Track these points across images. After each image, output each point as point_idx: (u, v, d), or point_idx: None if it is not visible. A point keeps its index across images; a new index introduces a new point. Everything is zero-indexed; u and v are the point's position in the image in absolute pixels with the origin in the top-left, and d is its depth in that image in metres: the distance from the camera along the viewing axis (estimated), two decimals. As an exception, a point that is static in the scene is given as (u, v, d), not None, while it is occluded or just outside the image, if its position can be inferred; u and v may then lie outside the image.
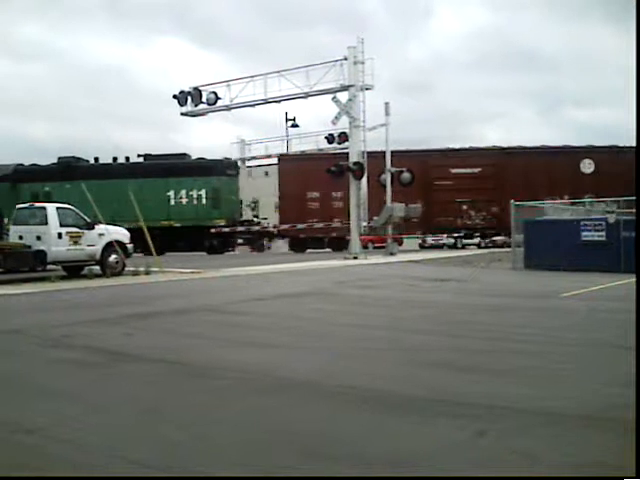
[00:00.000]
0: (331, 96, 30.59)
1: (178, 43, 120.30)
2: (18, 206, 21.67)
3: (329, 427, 5.09)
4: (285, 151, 46.35)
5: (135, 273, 20.89)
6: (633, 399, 5.19)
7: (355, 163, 30.35)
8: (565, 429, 4.88)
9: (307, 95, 32.04)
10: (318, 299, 14.35)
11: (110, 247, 21.28)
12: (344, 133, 33.52)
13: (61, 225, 20.32)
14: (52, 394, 6.25)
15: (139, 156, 42.55)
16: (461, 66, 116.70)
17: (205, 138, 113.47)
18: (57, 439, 4.84)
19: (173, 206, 39.99)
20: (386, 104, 33.20)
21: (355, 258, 28.85)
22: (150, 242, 22.52)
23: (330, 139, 37.15)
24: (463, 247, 42.82)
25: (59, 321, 10.89)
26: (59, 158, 41.99)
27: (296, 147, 45.88)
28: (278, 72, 32.45)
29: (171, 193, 40.12)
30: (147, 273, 20.91)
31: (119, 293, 16.35)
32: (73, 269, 21.38)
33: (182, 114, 35.44)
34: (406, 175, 35.51)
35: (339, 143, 36.08)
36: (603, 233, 21.13)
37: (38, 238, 19.92)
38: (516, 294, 15.20)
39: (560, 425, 4.96)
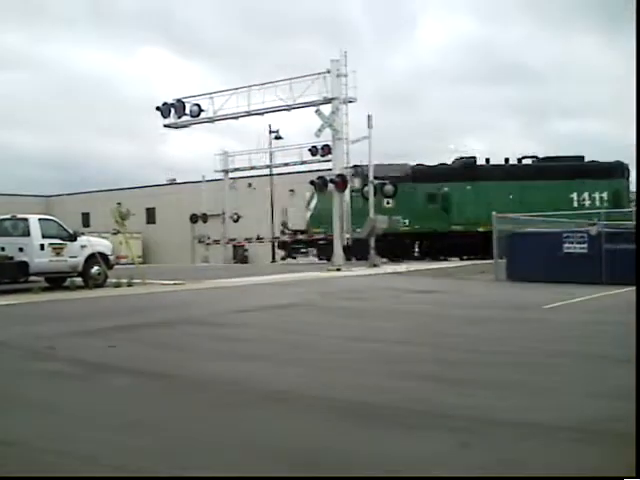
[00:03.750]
0: (314, 108, 30.66)
1: (161, 53, 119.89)
2: (0, 217, 21.49)
3: (313, 439, 5.10)
4: (269, 163, 46.20)
5: (117, 285, 20.77)
6: (620, 411, 5.24)
7: (338, 175, 30.41)
8: (551, 441, 4.89)
9: (290, 108, 32.07)
10: (302, 311, 14.34)
11: (92, 259, 21.19)
12: (327, 145, 33.56)
13: (43, 236, 20.22)
14: (35, 406, 6.21)
15: (521, 158, 41.28)
16: (446, 78, 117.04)
17: (188, 149, 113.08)
18: (39, 450, 4.82)
19: (576, 209, 37.30)
20: (369, 117, 33.28)
21: (338, 270, 28.83)
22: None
23: (313, 151, 37.15)
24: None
25: (42, 333, 10.81)
26: (460, 158, 40.89)
27: (279, 159, 45.73)
28: (262, 84, 32.51)
29: (574, 196, 38.79)
30: (129, 285, 20.81)
31: (102, 305, 16.25)
32: (55, 281, 21.20)
33: (165, 126, 35.35)
34: (389, 187, 35.68)
35: (322, 155, 36.12)
36: (585, 245, 21.26)
37: (20, 249, 19.81)
38: (499, 306, 15.26)
39: (546, 437, 4.97)
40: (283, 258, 41.64)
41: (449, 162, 41.60)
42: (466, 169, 39.46)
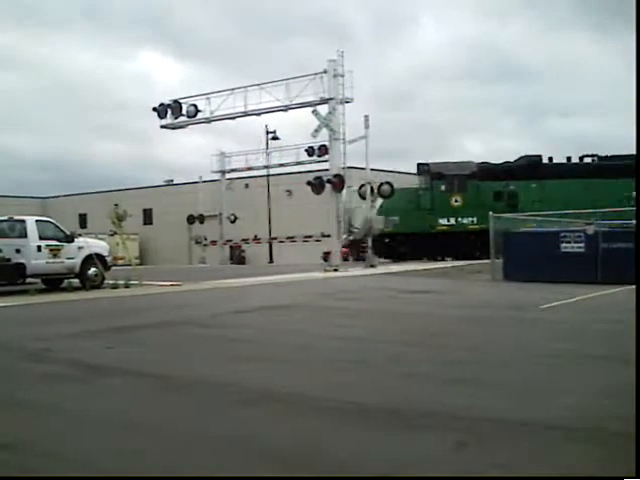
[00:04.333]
0: (311, 109, 30.66)
1: (158, 54, 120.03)
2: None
3: (309, 439, 5.10)
4: (265, 163, 46.17)
5: (114, 286, 20.75)
6: (619, 410, 5.24)
7: (335, 175, 30.43)
8: (550, 441, 4.89)
9: (287, 108, 32.11)
10: (299, 311, 14.34)
11: (89, 260, 21.18)
12: (324, 146, 33.60)
13: (40, 238, 20.22)
14: (34, 408, 6.20)
15: (582, 157, 41.01)
16: (443, 77, 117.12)
17: (185, 150, 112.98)
18: (39, 452, 4.82)
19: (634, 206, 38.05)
20: (365, 117, 33.29)
21: (335, 270, 28.86)
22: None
23: (310, 152, 37.21)
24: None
25: (39, 334, 10.79)
26: (524, 156, 40.48)
27: (276, 160, 45.69)
28: (258, 85, 32.54)
29: (632, 194, 36.95)
30: (127, 286, 20.80)
31: (99, 306, 16.24)
32: (52, 282, 21.19)
33: (162, 127, 35.43)
34: (386, 187, 35.74)
35: (319, 156, 36.14)
36: (582, 245, 21.28)
37: (17, 251, 19.81)
38: (495, 306, 15.26)
39: (545, 437, 4.98)
40: (346, 259, 41.33)
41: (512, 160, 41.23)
42: (531, 167, 39.24)
